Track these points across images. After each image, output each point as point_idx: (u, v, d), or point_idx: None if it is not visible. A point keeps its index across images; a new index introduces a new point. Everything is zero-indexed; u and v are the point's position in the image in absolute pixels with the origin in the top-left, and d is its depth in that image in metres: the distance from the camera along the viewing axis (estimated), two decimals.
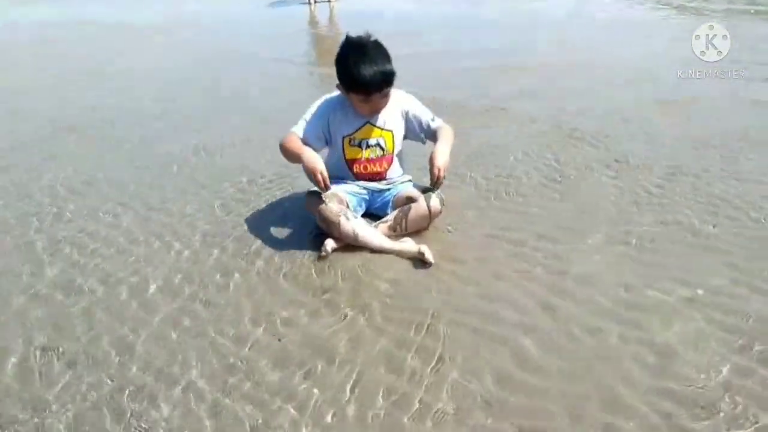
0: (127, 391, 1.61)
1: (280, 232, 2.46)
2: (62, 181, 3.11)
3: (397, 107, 2.40)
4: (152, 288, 2.10)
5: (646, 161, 3.01)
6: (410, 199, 2.35)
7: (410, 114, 2.42)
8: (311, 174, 2.19)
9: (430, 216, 2.33)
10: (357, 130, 2.36)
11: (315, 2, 10.96)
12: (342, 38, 2.24)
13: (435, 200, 2.31)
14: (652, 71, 4.98)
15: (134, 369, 1.70)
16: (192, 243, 2.40)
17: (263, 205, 2.72)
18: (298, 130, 2.32)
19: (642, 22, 7.80)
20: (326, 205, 2.24)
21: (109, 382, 1.65)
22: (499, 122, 3.81)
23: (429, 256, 2.15)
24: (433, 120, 2.43)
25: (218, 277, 2.16)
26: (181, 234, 2.48)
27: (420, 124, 2.43)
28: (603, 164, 3.01)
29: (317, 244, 2.26)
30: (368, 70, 2.13)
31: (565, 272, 2.07)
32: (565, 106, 4.07)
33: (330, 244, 2.24)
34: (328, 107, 2.35)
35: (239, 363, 1.71)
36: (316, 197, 2.30)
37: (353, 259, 2.21)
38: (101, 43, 8.11)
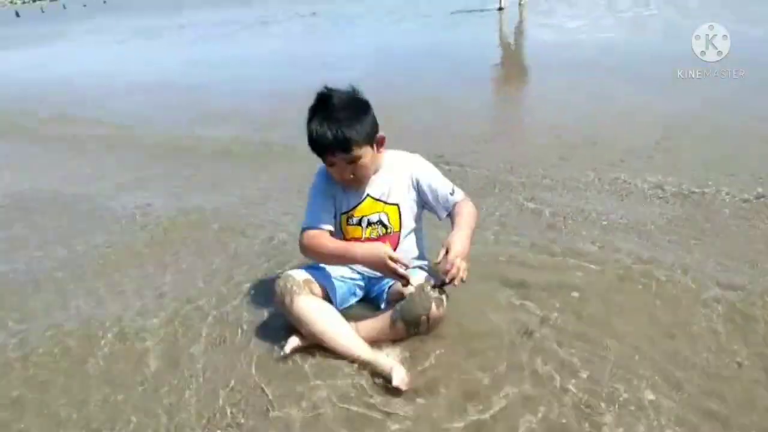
0: None
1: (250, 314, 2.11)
2: None
3: (406, 176, 1.94)
4: None
5: None
6: (404, 296, 1.83)
7: (423, 185, 1.94)
8: (379, 266, 1.76)
9: (429, 322, 1.79)
10: (356, 206, 1.92)
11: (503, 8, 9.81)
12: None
13: (427, 300, 1.76)
14: None
15: None
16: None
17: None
18: (312, 222, 1.89)
19: None
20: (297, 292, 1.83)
21: None
22: None
23: (399, 382, 1.64)
24: (452, 193, 1.93)
25: None
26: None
27: (437, 197, 1.94)
28: None
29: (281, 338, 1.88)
30: (318, 128, 1.74)
31: None
32: None
33: (292, 342, 1.84)
34: (327, 180, 1.92)
35: None
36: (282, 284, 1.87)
37: (305, 363, 1.79)
38: None
